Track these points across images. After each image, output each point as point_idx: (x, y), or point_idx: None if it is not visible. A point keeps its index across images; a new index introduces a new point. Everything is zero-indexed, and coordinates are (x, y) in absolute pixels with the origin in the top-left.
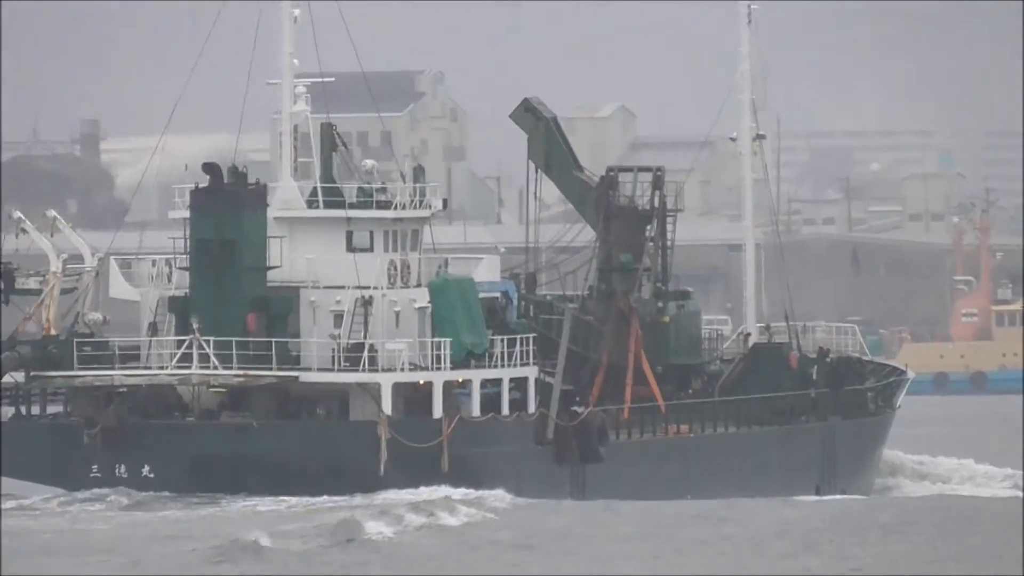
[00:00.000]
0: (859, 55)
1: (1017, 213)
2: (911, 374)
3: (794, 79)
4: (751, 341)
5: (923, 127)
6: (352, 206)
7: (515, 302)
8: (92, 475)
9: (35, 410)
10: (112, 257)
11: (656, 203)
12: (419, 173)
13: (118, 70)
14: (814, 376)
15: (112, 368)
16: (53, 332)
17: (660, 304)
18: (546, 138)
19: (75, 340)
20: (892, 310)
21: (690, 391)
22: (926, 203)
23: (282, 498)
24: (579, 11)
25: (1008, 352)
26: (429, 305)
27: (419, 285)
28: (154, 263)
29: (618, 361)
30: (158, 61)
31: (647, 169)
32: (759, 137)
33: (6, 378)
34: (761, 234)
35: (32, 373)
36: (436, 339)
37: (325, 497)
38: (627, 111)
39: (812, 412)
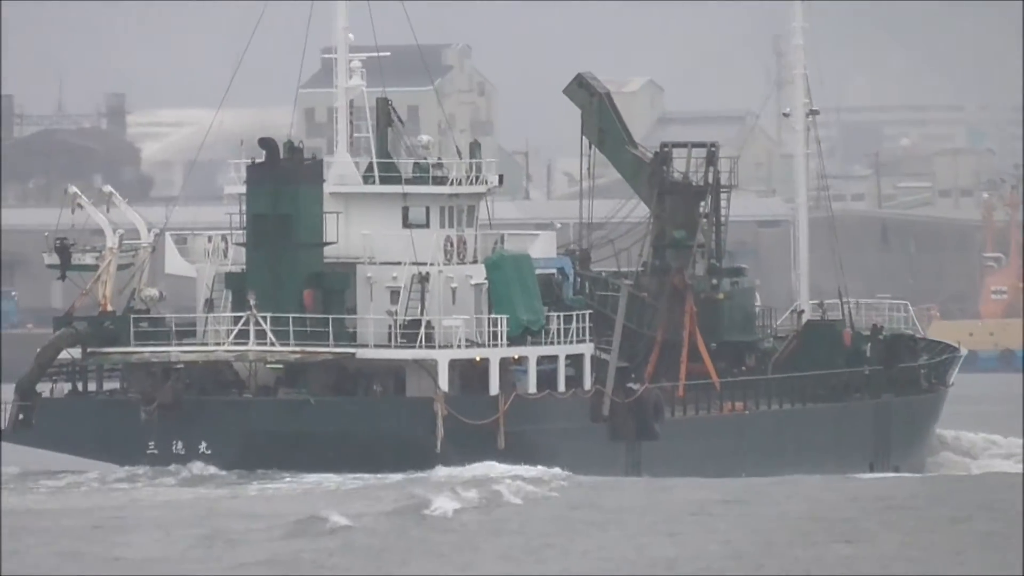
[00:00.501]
0: (888, 29)
1: None
2: (964, 351)
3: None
4: (804, 318)
5: (953, 102)
6: (408, 182)
7: (571, 278)
8: (149, 451)
9: (91, 386)
10: (168, 233)
11: (710, 179)
12: (475, 148)
13: (144, 43)
14: (867, 353)
15: (169, 344)
16: (109, 308)
17: (714, 281)
18: (599, 113)
19: (131, 316)
20: (921, 287)
21: (743, 368)
22: (956, 179)
23: (342, 475)
24: None
25: None
26: (485, 281)
27: (475, 261)
28: (210, 239)
29: (672, 338)
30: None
31: (701, 145)
32: (812, 113)
33: (63, 354)
34: (791, 209)
35: (89, 349)
36: (493, 316)
37: (382, 474)
38: (655, 85)
39: (865, 389)
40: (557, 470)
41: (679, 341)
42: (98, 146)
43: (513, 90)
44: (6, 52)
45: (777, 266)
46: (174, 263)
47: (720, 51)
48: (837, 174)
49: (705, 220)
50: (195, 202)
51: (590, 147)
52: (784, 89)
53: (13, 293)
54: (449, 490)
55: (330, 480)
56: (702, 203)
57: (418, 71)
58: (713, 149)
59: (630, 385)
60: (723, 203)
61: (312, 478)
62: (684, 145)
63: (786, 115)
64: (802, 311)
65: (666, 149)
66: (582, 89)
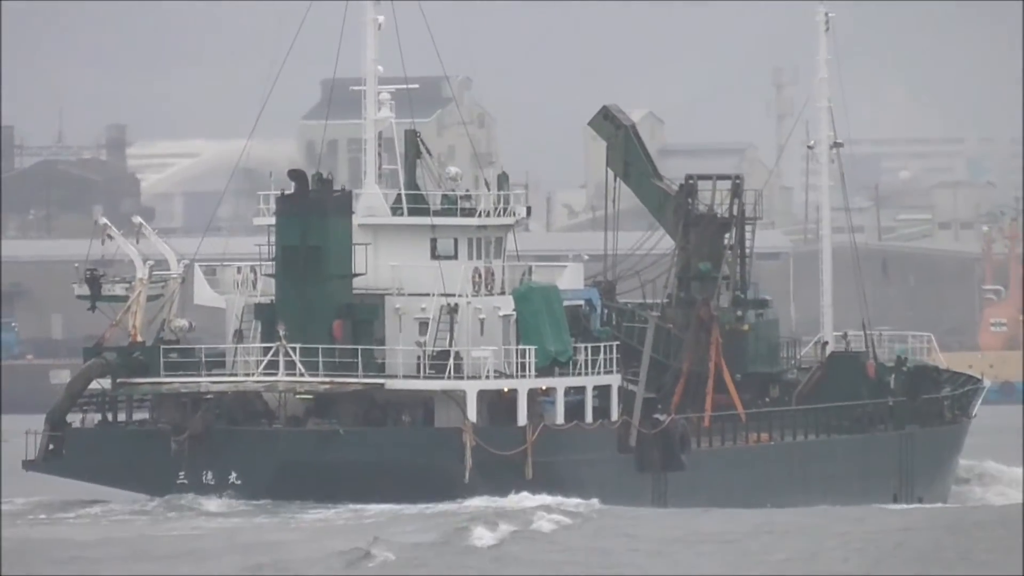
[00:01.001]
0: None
1: None
2: (987, 383)
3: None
4: (828, 349)
5: (953, 134)
6: (436, 213)
7: (599, 310)
8: (179, 481)
9: (120, 417)
10: (196, 264)
11: (735, 211)
12: (503, 180)
13: (145, 74)
14: (891, 385)
15: (198, 375)
16: (139, 339)
17: (739, 312)
18: (625, 146)
19: (161, 347)
20: (921, 319)
21: (767, 399)
22: (956, 211)
23: (378, 505)
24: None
25: None
26: (513, 313)
27: (503, 293)
28: (239, 270)
29: (698, 369)
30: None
31: (726, 177)
32: (836, 145)
33: (93, 384)
34: (790, 242)
35: (119, 380)
36: (521, 347)
37: (412, 504)
38: (655, 117)
39: (890, 420)
40: (595, 501)
41: (705, 372)
42: (98, 177)
43: (513, 122)
44: (6, 82)
45: (776, 299)
46: (203, 294)
47: (720, 84)
48: (838, 206)
49: (730, 252)
50: (195, 233)
51: (615, 179)
52: (783, 121)
53: (13, 324)
54: (485, 521)
55: (366, 511)
56: (727, 235)
57: (420, 102)
58: (738, 182)
59: (657, 416)
60: (748, 235)
61: (346, 508)
62: (709, 178)
63: (810, 148)
64: (826, 343)
65: (691, 181)
66: (608, 121)
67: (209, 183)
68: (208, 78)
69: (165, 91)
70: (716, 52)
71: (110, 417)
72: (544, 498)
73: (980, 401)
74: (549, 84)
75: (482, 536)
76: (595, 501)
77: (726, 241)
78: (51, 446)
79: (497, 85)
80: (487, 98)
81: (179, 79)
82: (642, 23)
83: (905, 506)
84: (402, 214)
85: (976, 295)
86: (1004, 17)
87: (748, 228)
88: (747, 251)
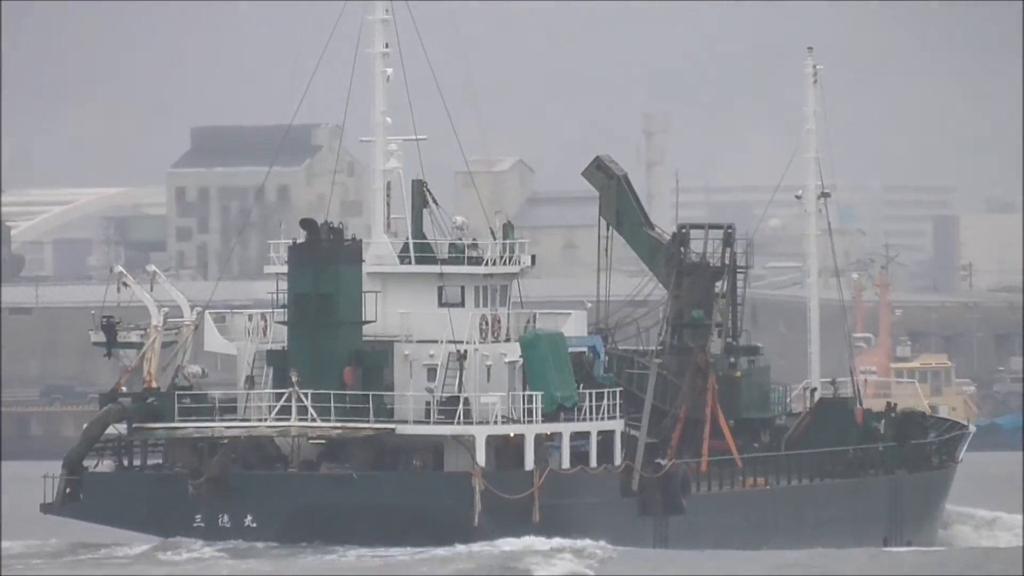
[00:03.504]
0: (756, 112)
1: (916, 269)
2: (972, 428)
3: (691, 133)
4: (816, 395)
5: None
6: (444, 262)
7: (602, 356)
8: (195, 524)
9: (136, 461)
10: (207, 311)
11: (727, 260)
12: (508, 229)
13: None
14: (881, 430)
15: (212, 420)
16: (154, 385)
17: (732, 359)
18: (617, 195)
19: (175, 392)
20: (794, 366)
21: (756, 444)
22: (825, 259)
23: (396, 549)
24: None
25: None
26: (520, 359)
27: (508, 340)
28: (250, 317)
29: (695, 415)
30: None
31: (718, 226)
32: (824, 195)
33: (109, 430)
34: None
35: (134, 425)
36: (528, 392)
37: (423, 547)
38: (525, 165)
39: (880, 465)
40: (603, 543)
41: (701, 418)
42: None
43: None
44: None
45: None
46: (214, 341)
47: (589, 131)
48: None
49: (722, 300)
50: (65, 282)
51: (607, 228)
52: (653, 169)
53: None
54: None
55: (387, 554)
56: (718, 283)
57: (290, 151)
58: (730, 231)
59: (658, 461)
60: (739, 283)
61: (363, 552)
62: (701, 227)
63: (798, 197)
64: (814, 388)
65: (683, 230)
66: (600, 172)
67: (79, 230)
68: (81, 127)
69: (39, 139)
70: (586, 99)
71: (124, 462)
72: (552, 540)
73: (966, 446)
74: (426, 131)
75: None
76: (608, 544)
77: (717, 289)
78: (68, 490)
79: (368, 134)
80: (357, 147)
81: (52, 129)
82: (513, 71)
83: (904, 548)
84: (410, 262)
85: (846, 343)
86: (870, 73)
87: (739, 276)
88: (738, 299)
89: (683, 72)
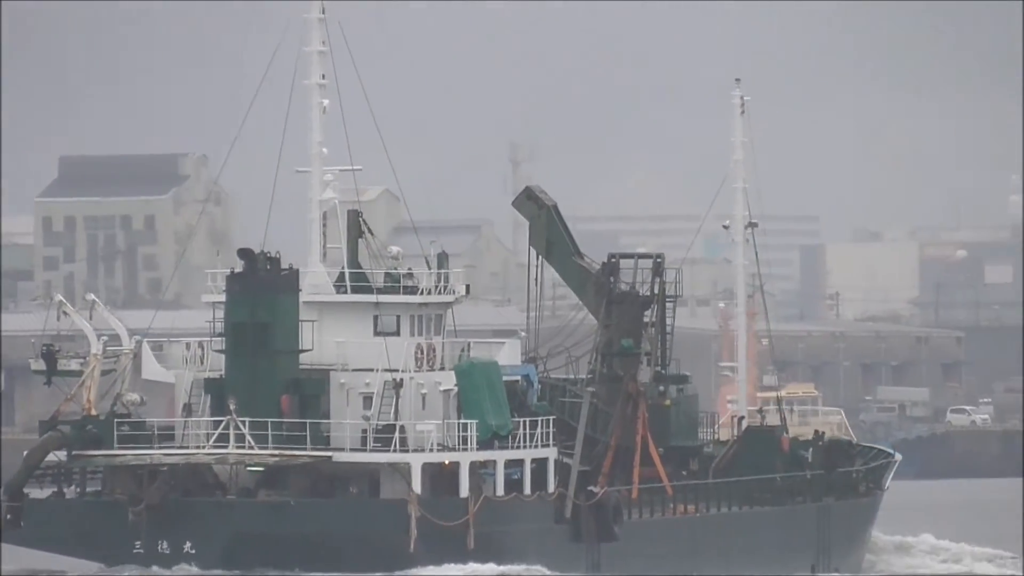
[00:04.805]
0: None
1: (784, 298)
2: (898, 457)
3: (556, 161)
4: (744, 424)
5: (689, 211)
6: (380, 291)
7: (535, 385)
8: (135, 551)
9: (75, 488)
10: (144, 340)
11: (656, 289)
12: (443, 259)
13: None
14: (808, 458)
15: (151, 447)
16: (93, 412)
17: (661, 388)
18: (547, 225)
19: (114, 420)
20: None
21: (684, 472)
22: (692, 288)
23: (325, 575)
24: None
25: None
26: (454, 387)
27: (443, 368)
28: (188, 346)
29: (626, 443)
30: None
31: (648, 256)
32: (751, 225)
33: (49, 457)
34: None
35: (74, 452)
36: (463, 420)
37: (361, 574)
38: (391, 195)
39: (808, 493)
40: (540, 567)
41: (632, 446)
42: None
43: (250, 199)
44: None
45: None
46: (151, 369)
47: (457, 160)
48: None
49: (652, 329)
50: None
51: (537, 257)
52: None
53: None
54: None
55: None
56: (647, 312)
57: (156, 180)
58: (659, 260)
59: (591, 488)
60: (668, 312)
61: None
62: (631, 256)
63: (725, 227)
64: (742, 417)
65: (613, 260)
66: (530, 201)
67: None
68: None
69: None
70: (456, 127)
71: (63, 489)
72: (486, 567)
73: (892, 474)
74: (295, 164)
75: None
76: (545, 569)
77: (647, 318)
78: (9, 516)
79: (233, 163)
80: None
81: None
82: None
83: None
84: (345, 292)
85: (713, 372)
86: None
87: (668, 305)
88: (667, 328)
89: (553, 102)
